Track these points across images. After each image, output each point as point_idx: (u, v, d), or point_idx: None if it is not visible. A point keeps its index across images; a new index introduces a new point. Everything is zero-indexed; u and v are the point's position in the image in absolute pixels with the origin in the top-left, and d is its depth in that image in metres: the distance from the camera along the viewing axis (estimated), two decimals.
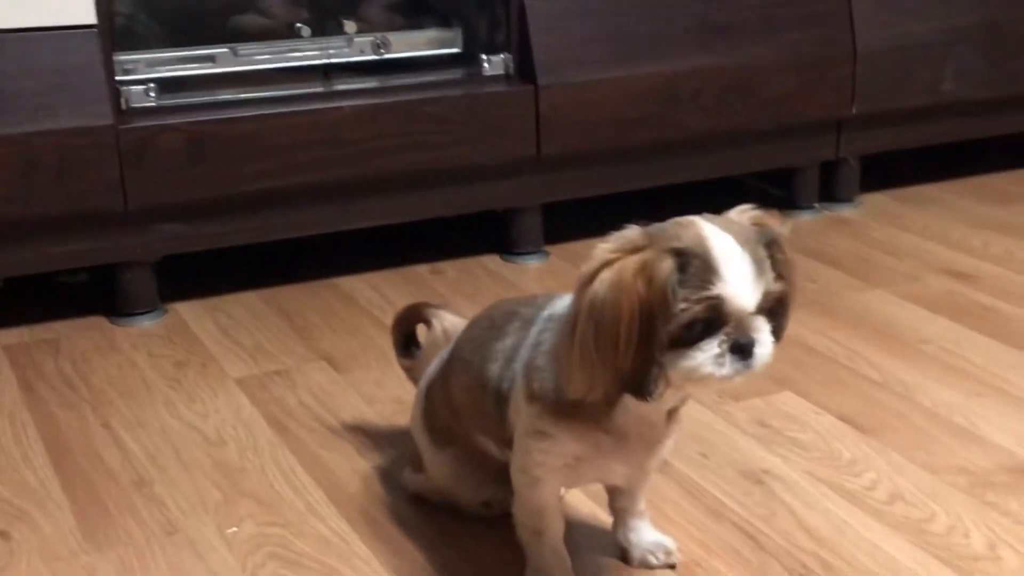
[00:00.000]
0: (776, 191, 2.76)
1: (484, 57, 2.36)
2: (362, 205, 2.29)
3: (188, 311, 2.22)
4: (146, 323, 2.17)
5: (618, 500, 1.43)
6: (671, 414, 1.29)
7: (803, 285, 2.27)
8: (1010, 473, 1.60)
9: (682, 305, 1.13)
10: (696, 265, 1.13)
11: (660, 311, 1.12)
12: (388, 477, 1.63)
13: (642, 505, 1.43)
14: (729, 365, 1.16)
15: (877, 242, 2.51)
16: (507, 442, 1.35)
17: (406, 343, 1.66)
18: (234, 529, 1.52)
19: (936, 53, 2.66)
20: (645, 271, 1.12)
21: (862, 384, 1.86)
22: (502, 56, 2.36)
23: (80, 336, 2.12)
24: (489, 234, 2.50)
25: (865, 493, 1.56)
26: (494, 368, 1.35)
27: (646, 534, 1.43)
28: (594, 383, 1.16)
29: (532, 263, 2.43)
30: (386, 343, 1.92)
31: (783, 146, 2.64)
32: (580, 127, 2.37)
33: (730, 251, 1.14)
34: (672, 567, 1.41)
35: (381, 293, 2.29)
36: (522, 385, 1.29)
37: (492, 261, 2.44)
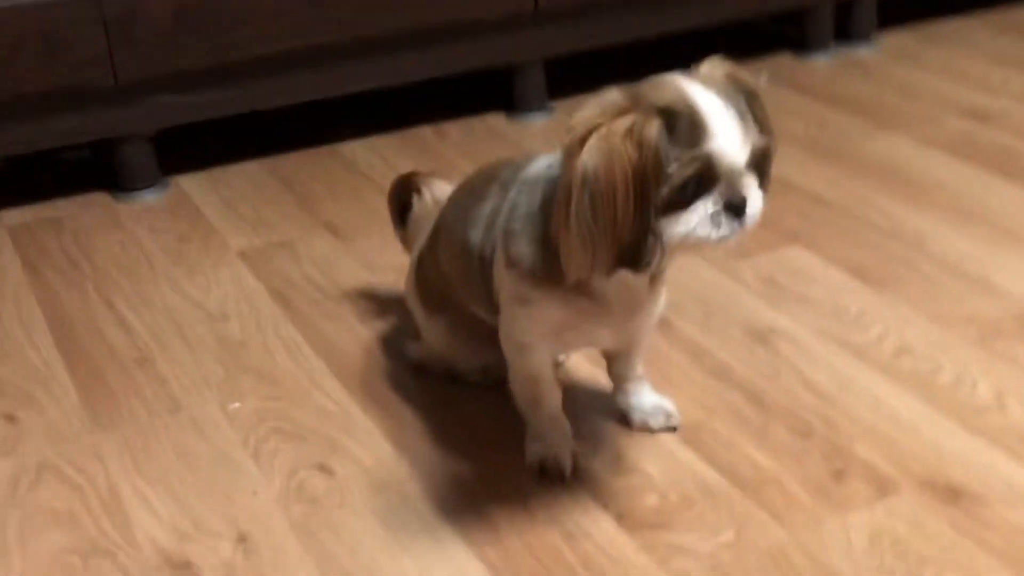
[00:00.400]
0: (789, 31, 2.68)
1: None
2: (360, 67, 2.23)
3: (190, 183, 2.19)
4: (148, 197, 2.15)
5: (615, 365, 1.42)
6: (654, 278, 1.26)
7: (814, 132, 2.22)
8: (1019, 322, 1.57)
9: (673, 166, 1.09)
10: (684, 124, 1.09)
11: (653, 174, 1.08)
12: (390, 347, 1.62)
13: (640, 369, 1.42)
14: (724, 225, 1.12)
15: (894, 83, 2.44)
16: (496, 309, 1.33)
17: (402, 213, 1.63)
18: (236, 405, 1.52)
19: None
20: (634, 134, 1.08)
21: (872, 234, 1.83)
22: None
23: (83, 213, 2.11)
24: (493, 93, 2.44)
25: (872, 347, 1.54)
26: (475, 234, 1.32)
27: (646, 397, 1.42)
28: (595, 260, 1.12)
29: (537, 121, 2.38)
30: (387, 210, 1.90)
31: None
32: None
33: (716, 107, 1.10)
34: (673, 430, 1.40)
35: (383, 157, 2.25)
36: (501, 251, 1.26)
37: (496, 120, 2.39)
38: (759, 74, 1.20)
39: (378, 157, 2.25)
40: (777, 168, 1.97)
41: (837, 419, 1.40)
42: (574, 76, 2.48)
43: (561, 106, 2.42)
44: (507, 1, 2.25)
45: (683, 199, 1.11)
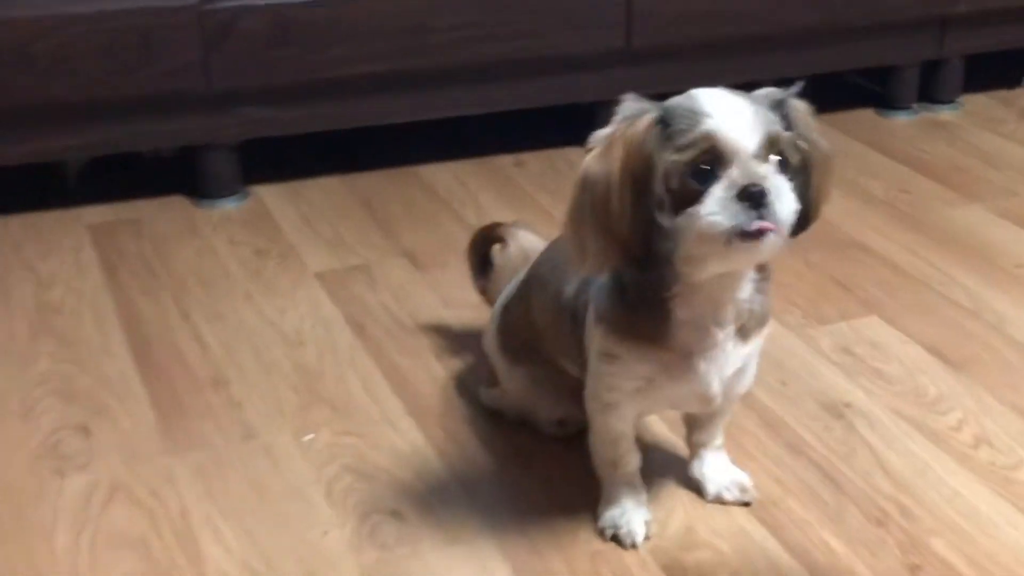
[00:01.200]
0: (874, 88, 2.66)
1: None
2: (446, 94, 2.24)
3: (270, 196, 2.20)
4: (228, 206, 2.16)
5: (696, 433, 1.41)
6: (742, 332, 1.24)
7: (895, 195, 2.21)
8: None
9: (674, 157, 1.09)
10: (681, 114, 1.10)
11: (643, 167, 1.10)
12: (465, 388, 1.62)
13: (719, 440, 1.42)
14: (740, 213, 1.09)
15: (976, 150, 2.41)
16: (584, 366, 1.33)
17: (482, 264, 1.64)
18: (311, 436, 1.52)
19: None
20: (624, 136, 1.11)
21: (952, 311, 1.81)
22: None
23: (162, 217, 2.12)
24: (574, 126, 2.43)
25: (950, 434, 1.53)
26: (569, 290, 1.33)
27: (723, 469, 1.42)
28: (600, 254, 1.14)
29: None
30: (465, 240, 1.90)
31: (883, 43, 2.53)
32: (673, 19, 2.29)
33: (717, 95, 1.11)
34: (747, 504, 1.40)
35: (463, 183, 2.25)
36: (592, 307, 1.27)
37: (576, 154, 2.36)
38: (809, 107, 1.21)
39: (458, 183, 2.25)
40: (857, 231, 1.96)
41: (913, 509, 1.39)
42: None
43: None
44: (600, 38, 2.25)
45: (695, 190, 1.10)
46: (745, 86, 2.50)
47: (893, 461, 1.48)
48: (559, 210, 1.73)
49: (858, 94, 2.67)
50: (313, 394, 1.61)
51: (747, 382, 1.34)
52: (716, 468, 1.42)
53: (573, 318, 1.32)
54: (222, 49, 2.04)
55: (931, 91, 2.64)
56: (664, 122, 1.11)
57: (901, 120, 2.58)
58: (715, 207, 1.09)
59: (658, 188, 1.10)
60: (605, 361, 1.27)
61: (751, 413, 1.57)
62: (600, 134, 1.16)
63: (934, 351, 1.71)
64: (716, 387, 1.27)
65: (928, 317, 1.80)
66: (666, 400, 1.34)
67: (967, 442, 1.51)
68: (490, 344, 1.53)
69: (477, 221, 2.08)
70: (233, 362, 1.68)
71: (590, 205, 1.13)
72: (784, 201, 1.10)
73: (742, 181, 1.09)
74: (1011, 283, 1.89)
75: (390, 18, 2.11)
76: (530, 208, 2.14)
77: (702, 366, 1.24)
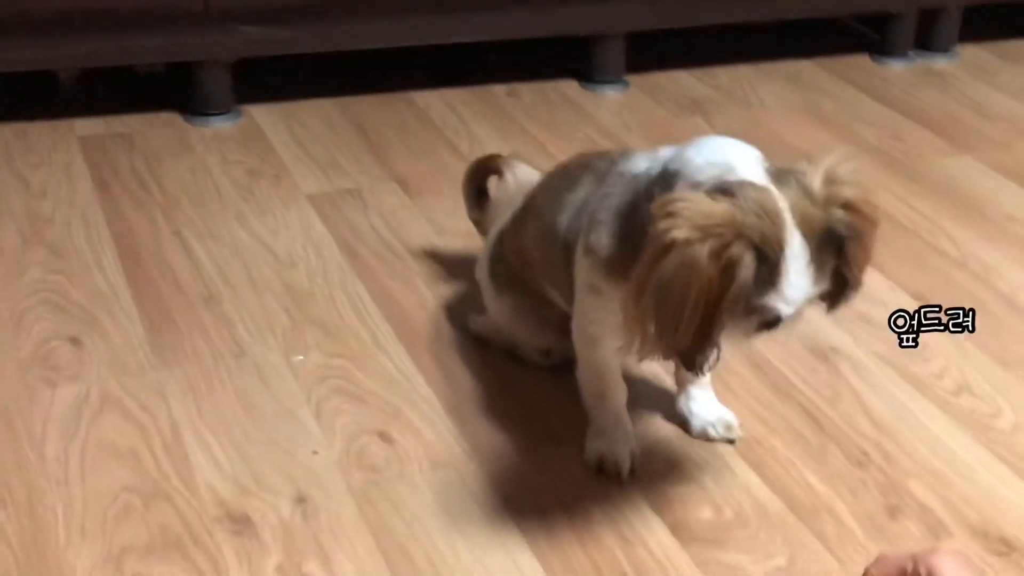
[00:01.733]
0: (871, 34, 2.66)
1: None
2: (442, 21, 2.22)
3: (263, 116, 2.19)
4: (220, 124, 2.15)
5: (682, 370, 1.43)
6: None
7: (887, 143, 2.21)
8: None
9: (747, 314, 1.13)
10: (764, 271, 1.10)
11: (731, 303, 1.09)
12: (455, 316, 1.63)
13: (706, 377, 1.43)
14: (755, 337, 1.18)
15: (970, 101, 2.42)
16: (572, 296, 1.34)
17: (477, 195, 1.65)
18: (300, 357, 1.53)
19: None
20: (727, 271, 1.08)
21: (940, 261, 1.83)
22: None
23: (154, 133, 2.11)
24: (569, 59, 2.43)
25: (932, 381, 1.55)
26: (563, 219, 1.34)
27: (709, 406, 1.43)
28: (648, 344, 1.14)
29: (611, 93, 2.36)
30: (458, 169, 1.90)
31: None
32: None
33: (797, 264, 1.10)
34: (731, 442, 1.42)
35: (456, 113, 2.24)
36: (583, 238, 1.28)
37: (570, 87, 2.38)
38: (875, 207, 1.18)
39: (451, 112, 2.25)
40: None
41: (894, 452, 1.42)
42: (652, 51, 2.48)
43: (635, 80, 2.40)
44: None
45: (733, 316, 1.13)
46: (738, 27, 2.49)
47: (876, 405, 1.50)
48: (551, 142, 1.74)
49: (855, 40, 2.67)
50: (304, 315, 1.62)
51: None
52: (703, 405, 1.43)
53: (565, 247, 1.33)
54: None
55: (928, 40, 2.63)
56: (756, 267, 1.09)
57: (897, 68, 2.57)
58: (740, 335, 1.17)
59: (725, 321, 1.11)
60: (590, 293, 1.28)
61: (739, 354, 1.58)
62: (678, 231, 1.07)
63: (920, 299, 1.72)
64: None
65: (916, 265, 1.81)
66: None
67: (949, 389, 1.53)
68: (481, 271, 1.54)
69: (470, 151, 2.09)
70: (224, 280, 1.69)
71: (657, 304, 1.10)
72: (800, 323, 1.19)
73: (771, 321, 1.15)
74: (999, 235, 1.91)
75: None
76: (523, 139, 2.14)
77: None
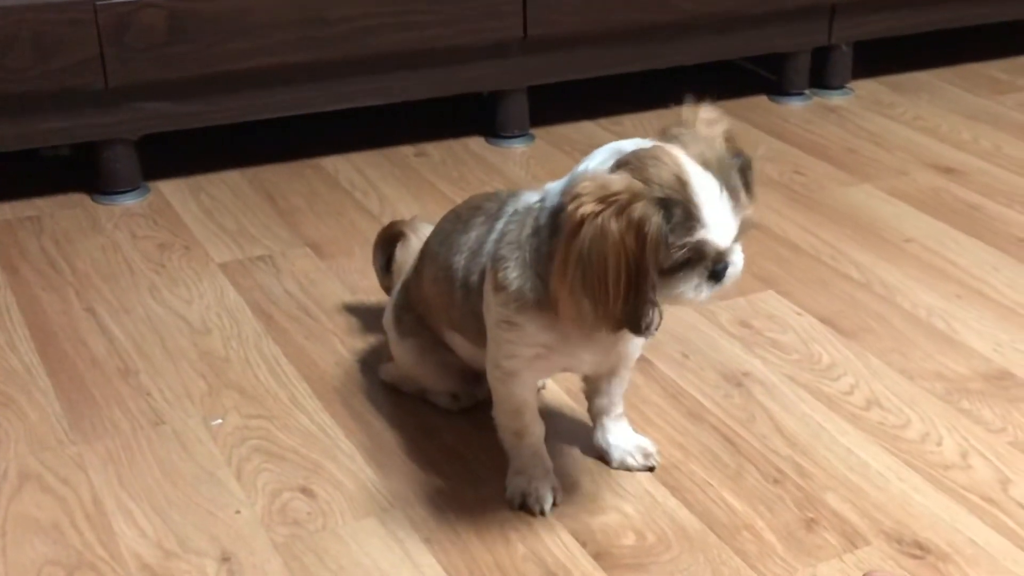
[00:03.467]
0: (767, 75, 2.74)
1: None
2: (346, 85, 2.26)
3: (171, 190, 2.20)
4: (129, 202, 2.16)
5: (596, 400, 1.45)
6: None
7: (790, 178, 2.27)
8: (985, 380, 1.62)
9: (672, 255, 1.17)
10: (679, 213, 1.16)
11: (651, 261, 1.15)
12: (370, 370, 1.64)
13: (620, 408, 1.46)
14: (706, 291, 1.21)
15: (866, 132, 2.49)
16: (480, 336, 1.37)
17: (387, 265, 1.69)
18: (219, 421, 1.53)
19: None
20: (635, 227, 1.14)
21: (844, 284, 1.87)
22: None
23: (63, 214, 2.11)
24: (474, 116, 2.47)
25: (842, 398, 1.58)
26: (459, 260, 1.37)
27: (625, 436, 1.45)
28: (589, 321, 1.19)
29: (517, 146, 2.41)
30: (368, 230, 1.93)
31: (775, 30, 2.59)
32: (568, 9, 2.32)
33: (711, 196, 1.16)
34: (650, 469, 1.44)
35: (364, 175, 2.27)
36: (490, 276, 1.30)
37: (477, 144, 2.42)
38: (755, 148, 1.25)
39: (359, 174, 2.27)
40: (754, 211, 2.02)
41: (808, 467, 1.45)
42: (556, 104, 2.53)
43: (541, 133, 2.45)
44: (496, 29, 2.28)
45: (673, 270, 1.18)
46: (639, 75, 2.56)
47: (789, 424, 1.53)
48: (461, 197, 1.76)
49: (752, 81, 2.74)
50: (220, 380, 1.62)
51: (639, 342, 1.39)
52: (619, 436, 1.45)
53: (466, 287, 1.37)
54: (119, 45, 2.03)
55: (822, 77, 2.71)
56: (665, 214, 1.15)
57: (794, 105, 2.65)
58: (691, 289, 1.20)
59: (655, 275, 1.17)
60: (504, 328, 1.31)
61: (654, 384, 1.61)
62: (584, 199, 1.14)
63: (827, 322, 1.77)
64: (614, 353, 1.34)
65: (821, 290, 1.86)
66: (564, 363, 1.38)
67: (859, 404, 1.57)
68: (387, 318, 1.57)
69: (380, 210, 2.11)
70: (140, 352, 1.69)
71: (583, 277, 1.16)
72: (737, 267, 1.23)
73: (714, 267, 1.20)
74: (900, 256, 1.96)
75: (287, 10, 2.12)
76: (433, 196, 2.17)
77: (602, 334, 1.28)
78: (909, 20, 2.72)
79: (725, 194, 1.17)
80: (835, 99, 2.69)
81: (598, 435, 1.46)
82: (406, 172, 2.28)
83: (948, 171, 2.29)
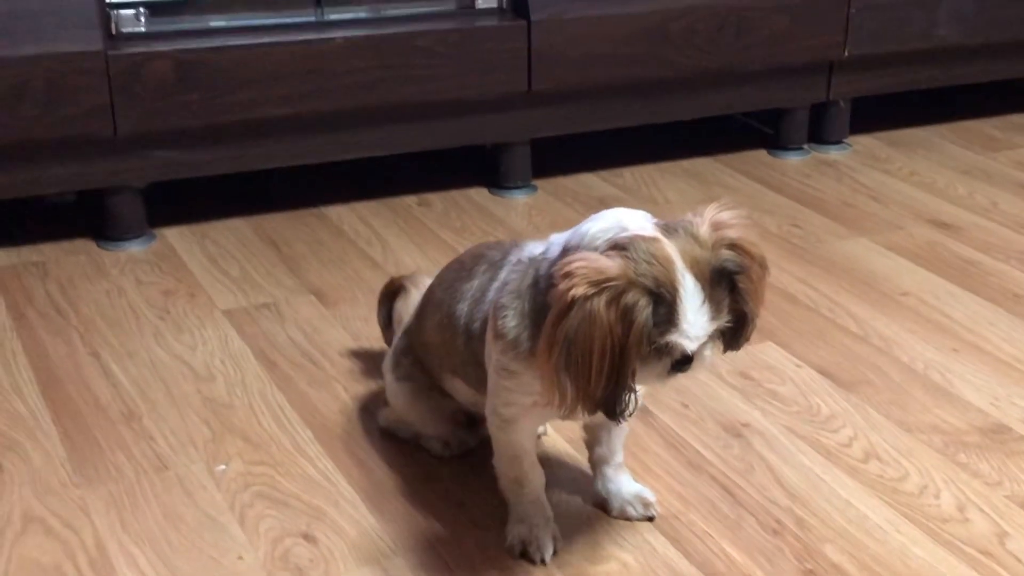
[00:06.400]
0: (766, 130, 2.77)
1: None
2: (351, 136, 2.29)
3: (176, 237, 2.22)
4: (134, 248, 2.18)
5: (596, 450, 1.47)
6: None
7: (788, 231, 2.29)
8: (982, 434, 1.63)
9: (649, 352, 1.20)
10: (663, 312, 1.18)
11: (635, 349, 1.18)
12: (373, 417, 1.65)
13: (619, 457, 1.47)
14: (668, 379, 1.25)
15: (863, 187, 2.52)
16: (480, 383, 1.39)
17: (388, 321, 1.71)
18: (223, 467, 1.54)
19: None
20: (625, 316, 1.16)
21: (842, 336, 1.89)
22: None
23: (68, 260, 2.13)
24: (477, 167, 2.50)
25: (841, 450, 1.60)
26: (462, 308, 1.40)
27: (625, 486, 1.47)
28: (568, 400, 1.21)
29: (520, 197, 2.43)
30: (372, 278, 1.95)
31: (774, 86, 2.63)
32: (572, 63, 2.36)
33: (693, 303, 1.19)
34: (650, 519, 1.45)
35: (368, 224, 2.29)
36: (491, 324, 1.33)
37: (479, 194, 2.45)
38: (756, 240, 1.26)
39: (363, 223, 2.29)
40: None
41: (807, 519, 1.46)
42: (558, 156, 2.56)
43: (543, 184, 2.48)
44: (502, 81, 2.31)
45: (643, 358, 1.21)
46: (640, 129, 2.59)
47: (788, 476, 1.54)
48: (463, 247, 1.79)
49: (751, 136, 2.78)
50: (224, 426, 1.63)
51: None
52: (620, 485, 1.47)
53: (467, 334, 1.39)
54: (128, 93, 2.06)
55: (820, 132, 2.75)
56: (653, 307, 1.17)
57: (792, 160, 2.68)
58: (654, 377, 1.24)
59: (637, 362, 1.20)
60: (503, 376, 1.33)
61: (654, 434, 1.62)
62: (576, 287, 1.16)
63: (826, 373, 1.78)
64: None
65: (820, 342, 1.88)
66: (560, 412, 1.38)
67: (857, 456, 1.58)
68: (386, 363, 1.59)
69: (384, 259, 2.13)
70: (144, 397, 1.70)
71: (568, 357, 1.17)
72: (706, 362, 1.26)
73: (679, 361, 1.23)
74: (896, 310, 1.98)
75: (295, 61, 2.15)
76: (435, 245, 2.19)
77: None
78: (906, 77, 2.76)
79: (706, 305, 1.19)
80: (833, 154, 2.72)
81: (598, 484, 1.47)
82: (409, 221, 2.31)
83: (944, 226, 2.31)
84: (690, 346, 1.21)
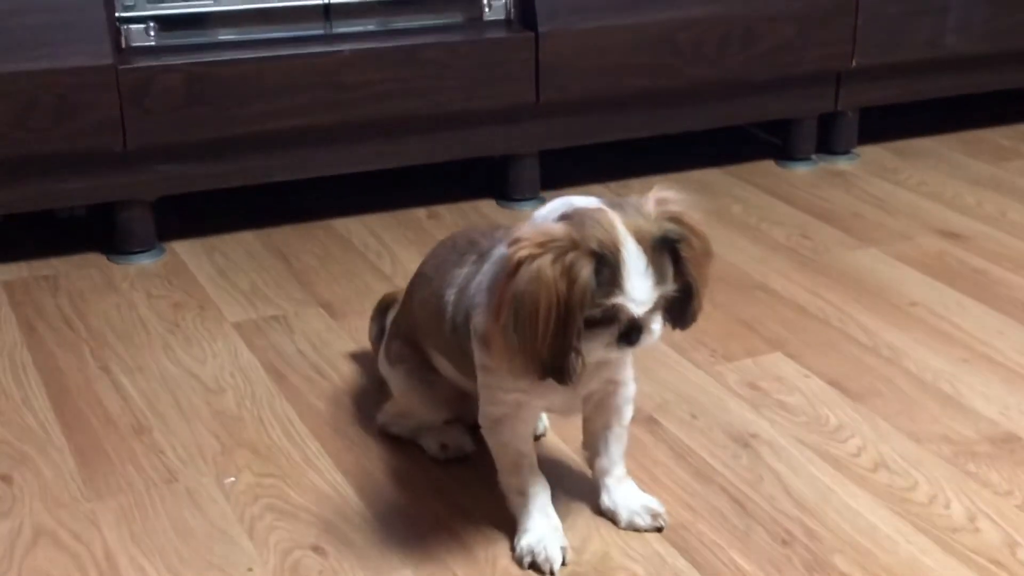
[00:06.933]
0: (774, 140, 2.77)
1: (485, 1, 2.35)
2: (360, 149, 2.29)
3: (186, 250, 2.23)
4: (144, 262, 2.19)
5: (597, 464, 1.48)
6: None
7: (796, 241, 2.30)
8: (991, 443, 1.63)
9: (593, 312, 1.24)
10: (607, 273, 1.23)
11: (578, 308, 1.22)
12: (382, 429, 1.65)
13: (621, 468, 1.47)
14: (616, 351, 1.29)
15: (872, 197, 2.52)
16: (464, 367, 1.43)
17: (380, 333, 1.73)
18: (232, 479, 1.55)
19: (938, 6, 2.65)
20: (568, 273, 1.21)
21: (851, 347, 1.89)
22: (503, 1, 2.35)
23: (78, 273, 2.14)
24: (486, 179, 2.51)
25: (850, 460, 1.59)
26: (450, 295, 1.43)
27: (632, 497, 1.47)
28: (520, 365, 1.25)
29: (528, 209, 2.43)
30: (381, 290, 1.95)
31: (782, 97, 2.64)
32: (580, 75, 2.37)
33: (636, 266, 1.23)
34: (659, 530, 1.45)
35: (377, 236, 2.30)
36: (473, 322, 1.36)
37: (488, 206, 2.45)
38: (697, 217, 1.30)
39: (372, 236, 2.30)
40: (761, 274, 2.06)
41: (817, 529, 1.45)
42: (566, 168, 2.57)
43: (551, 196, 2.47)
44: (510, 93, 2.32)
45: (589, 324, 1.25)
46: (648, 140, 2.60)
47: (797, 486, 1.54)
48: None
49: (760, 146, 2.78)
50: (234, 439, 1.64)
51: (626, 393, 1.45)
52: (626, 497, 1.47)
53: (453, 324, 1.42)
54: (138, 107, 2.07)
55: (828, 142, 2.75)
56: (595, 268, 1.22)
57: (801, 170, 2.68)
58: (602, 347, 1.28)
59: (580, 322, 1.23)
60: (484, 373, 1.36)
61: (662, 444, 1.62)
62: (524, 249, 1.22)
63: (834, 384, 1.78)
64: (579, 396, 1.41)
65: (828, 353, 1.87)
66: (541, 404, 1.43)
67: (866, 466, 1.58)
68: (379, 357, 1.63)
69: (393, 271, 2.14)
70: (154, 410, 1.70)
71: (516, 316, 1.22)
72: (653, 335, 1.30)
73: (626, 330, 1.27)
74: (905, 320, 1.98)
75: (304, 74, 2.16)
76: None
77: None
78: (914, 87, 2.76)
79: (650, 270, 1.23)
80: (841, 164, 2.72)
81: (604, 497, 1.47)
82: (419, 234, 2.31)
83: (953, 236, 2.31)
84: (635, 309, 1.24)
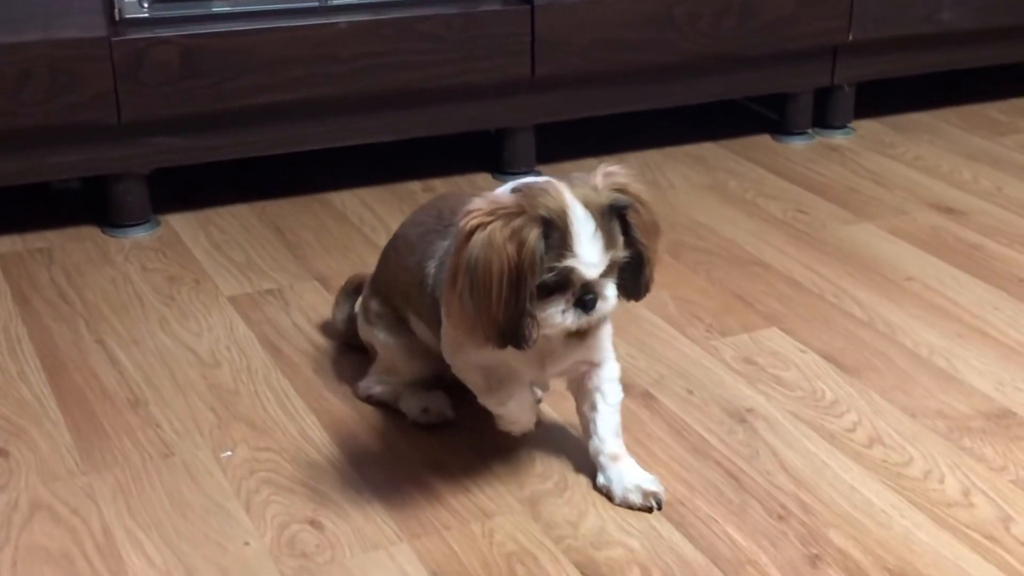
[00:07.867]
0: (770, 114, 2.77)
1: None
2: (355, 122, 2.29)
3: (181, 223, 2.23)
4: (139, 234, 2.18)
5: (591, 445, 1.49)
6: (582, 333, 1.39)
7: (792, 216, 2.29)
8: (986, 418, 1.63)
9: (544, 275, 1.28)
10: (556, 237, 1.28)
11: (528, 271, 1.27)
12: (379, 403, 1.65)
13: (613, 447, 1.47)
14: (572, 317, 1.33)
15: (868, 172, 2.52)
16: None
17: (349, 319, 1.77)
18: (228, 453, 1.55)
19: None
20: (516, 237, 1.26)
21: (847, 322, 1.89)
22: None
23: (73, 246, 2.13)
24: (481, 153, 2.50)
25: (845, 435, 1.60)
26: (430, 267, 1.46)
27: (628, 475, 1.47)
28: (476, 331, 1.30)
29: None
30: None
31: (778, 71, 2.63)
32: (575, 48, 2.36)
33: (585, 229, 1.28)
34: (651, 510, 1.45)
35: (372, 210, 2.30)
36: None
37: (483, 180, 2.44)
38: (642, 188, 1.35)
39: (367, 209, 2.30)
40: (757, 249, 2.06)
41: (812, 504, 1.46)
42: (562, 141, 2.56)
43: (547, 169, 2.47)
44: (506, 67, 2.31)
45: (545, 291, 1.30)
46: (644, 114, 2.59)
47: (793, 461, 1.54)
48: None
49: (756, 121, 2.78)
50: (230, 412, 1.64)
51: (606, 374, 1.47)
52: (620, 475, 1.46)
53: (432, 298, 1.45)
54: (132, 80, 2.06)
55: (824, 117, 2.75)
56: (544, 232, 1.27)
57: (797, 145, 2.68)
58: (559, 313, 1.32)
59: (532, 287, 1.27)
60: (452, 347, 1.43)
61: (658, 420, 1.63)
62: (475, 218, 1.27)
63: (830, 359, 1.78)
64: (548, 375, 1.46)
65: (824, 328, 1.88)
66: (512, 377, 1.44)
67: (861, 442, 1.59)
68: (359, 321, 1.66)
69: None
70: (150, 384, 1.70)
71: (471, 283, 1.27)
72: (608, 302, 1.34)
73: (580, 296, 1.32)
74: (901, 295, 1.98)
75: (299, 47, 2.15)
76: None
77: (534, 357, 1.39)
78: (910, 62, 2.76)
79: (599, 234, 1.28)
80: (837, 139, 2.72)
81: (599, 475, 1.48)
82: (414, 207, 2.28)
83: (949, 211, 2.31)
84: (586, 272, 1.28)
